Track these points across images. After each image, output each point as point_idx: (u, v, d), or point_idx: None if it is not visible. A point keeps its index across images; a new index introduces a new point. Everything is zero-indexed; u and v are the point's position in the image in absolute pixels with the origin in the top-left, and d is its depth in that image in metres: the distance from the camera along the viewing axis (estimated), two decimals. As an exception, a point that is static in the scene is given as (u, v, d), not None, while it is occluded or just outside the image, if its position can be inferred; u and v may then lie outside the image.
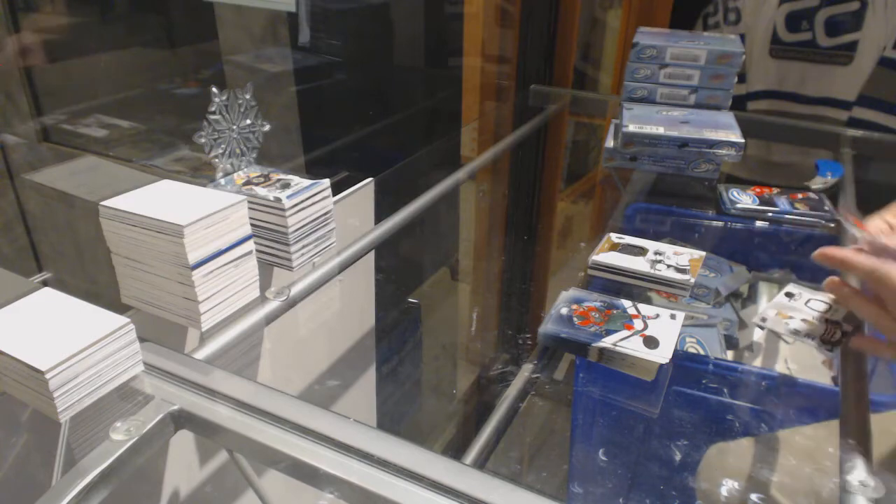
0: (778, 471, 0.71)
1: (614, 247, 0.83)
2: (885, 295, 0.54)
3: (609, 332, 0.70)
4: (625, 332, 0.70)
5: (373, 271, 0.96)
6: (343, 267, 0.80)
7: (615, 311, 0.73)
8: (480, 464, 0.88)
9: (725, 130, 1.00)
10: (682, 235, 1.20)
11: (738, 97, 1.25)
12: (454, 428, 1.52)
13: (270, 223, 0.68)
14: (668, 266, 0.78)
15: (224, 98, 0.67)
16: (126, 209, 0.60)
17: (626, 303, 0.75)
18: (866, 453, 0.52)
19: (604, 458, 0.92)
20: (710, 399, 0.85)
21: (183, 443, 0.68)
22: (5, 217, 0.82)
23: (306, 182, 0.70)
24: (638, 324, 0.71)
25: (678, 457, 0.86)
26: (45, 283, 0.61)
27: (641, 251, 0.82)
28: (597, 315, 0.73)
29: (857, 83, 1.22)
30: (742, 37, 1.25)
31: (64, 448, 0.59)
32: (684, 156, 1.00)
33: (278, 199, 0.66)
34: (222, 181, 0.70)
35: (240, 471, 0.57)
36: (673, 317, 0.72)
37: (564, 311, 0.74)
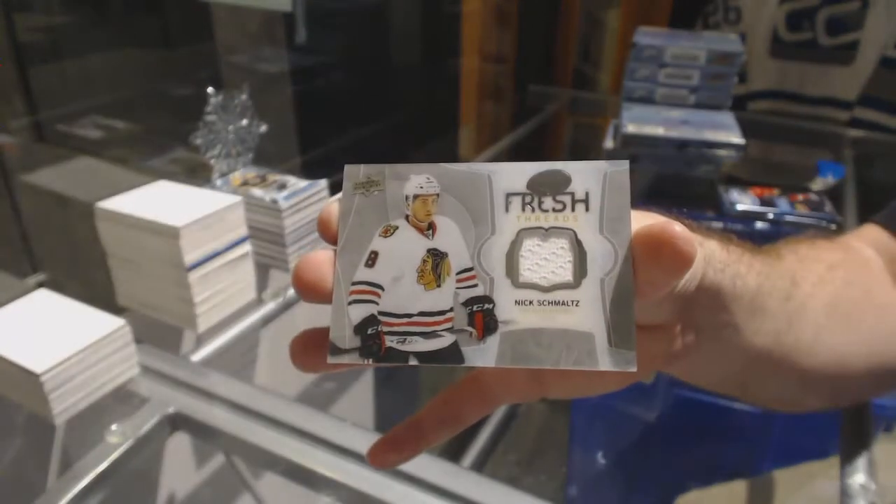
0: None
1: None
2: None
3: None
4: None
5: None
6: (341, 268, 0.79)
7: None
8: (478, 467, 0.88)
9: (725, 131, 1.00)
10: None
11: (738, 97, 1.25)
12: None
13: (267, 224, 0.68)
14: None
15: (220, 98, 0.67)
16: (122, 211, 0.60)
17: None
18: (867, 456, 0.52)
19: (602, 461, 0.92)
20: (709, 401, 0.84)
21: (179, 445, 0.68)
22: (0, 218, 0.82)
23: (303, 183, 0.70)
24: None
25: (677, 459, 0.86)
26: (40, 285, 0.61)
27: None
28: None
29: (858, 83, 1.22)
30: (742, 36, 1.24)
31: (59, 451, 0.59)
32: (684, 156, 1.00)
33: (275, 201, 0.66)
34: (219, 182, 0.70)
35: (236, 474, 0.57)
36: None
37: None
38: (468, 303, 0.25)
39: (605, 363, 0.23)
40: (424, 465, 0.47)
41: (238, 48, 1.00)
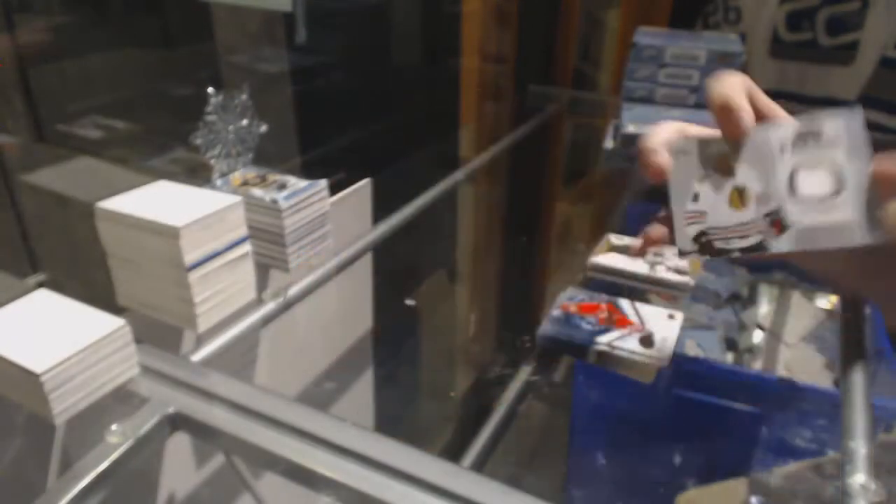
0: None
1: (613, 248, 0.83)
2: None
3: (607, 331, 0.69)
4: (622, 331, 0.70)
5: (370, 273, 0.95)
6: (340, 268, 0.79)
7: (614, 310, 0.73)
8: (478, 466, 0.88)
9: (725, 131, 0.99)
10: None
11: (737, 98, 1.24)
12: (452, 430, 1.52)
13: (267, 224, 0.68)
14: (668, 268, 0.78)
15: (220, 98, 0.67)
16: (122, 211, 0.60)
17: (625, 302, 0.74)
18: (867, 457, 0.52)
19: (602, 461, 0.92)
20: (709, 402, 0.84)
21: (179, 445, 0.68)
22: (0, 218, 0.82)
23: (303, 183, 0.70)
24: (636, 322, 0.71)
25: (677, 460, 0.86)
26: (40, 285, 0.61)
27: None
28: (595, 312, 0.72)
29: (858, 83, 1.22)
30: (742, 36, 1.24)
31: (59, 451, 0.59)
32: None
33: (275, 201, 0.66)
34: (219, 182, 0.70)
35: (236, 474, 0.57)
36: (672, 317, 0.72)
37: (559, 312, 0.73)
38: (767, 215, 0.40)
39: (862, 238, 0.37)
40: (424, 464, 0.47)
41: (238, 48, 1.00)
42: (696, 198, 0.42)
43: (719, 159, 0.41)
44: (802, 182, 0.39)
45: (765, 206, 0.40)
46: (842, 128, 0.38)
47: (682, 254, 0.42)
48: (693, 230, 0.41)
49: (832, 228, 0.38)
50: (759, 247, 0.40)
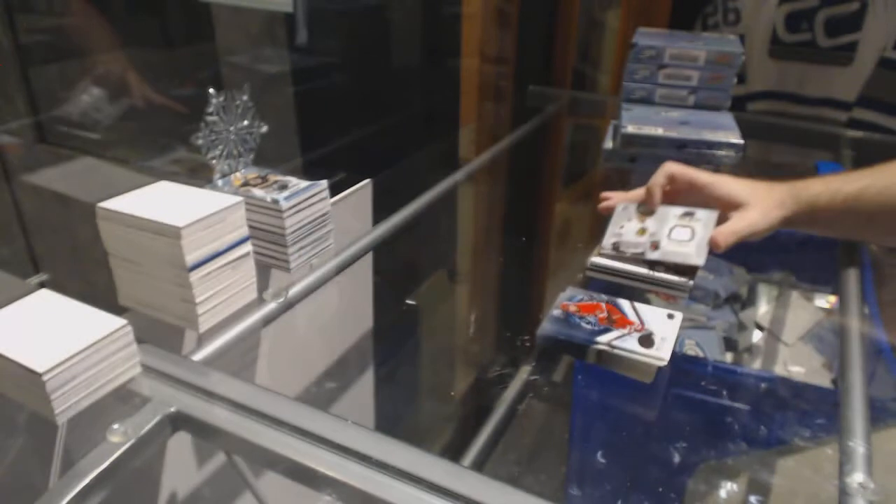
0: (773, 491, 0.72)
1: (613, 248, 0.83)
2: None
3: (607, 330, 0.70)
4: (622, 331, 0.70)
5: (371, 273, 0.96)
6: (341, 268, 0.79)
7: (614, 310, 0.73)
8: (479, 466, 0.88)
9: (725, 131, 1.00)
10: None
11: (737, 98, 1.25)
12: (452, 430, 1.52)
13: (268, 225, 0.68)
14: (668, 268, 0.78)
15: (221, 99, 0.67)
16: (123, 211, 0.60)
17: (625, 302, 0.75)
18: (865, 455, 0.52)
19: (602, 461, 0.92)
20: (709, 401, 0.84)
21: (180, 445, 0.68)
22: (2, 219, 0.82)
23: (304, 183, 0.70)
24: (635, 322, 0.71)
25: (677, 459, 0.86)
26: (42, 285, 0.61)
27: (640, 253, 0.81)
28: (595, 312, 0.73)
29: (857, 84, 1.22)
30: (742, 37, 1.25)
31: (61, 450, 0.59)
32: (683, 157, 1.00)
33: (276, 201, 0.66)
34: (220, 183, 0.70)
35: (238, 473, 0.57)
36: (671, 317, 0.72)
37: (559, 312, 0.73)
38: (652, 242, 0.74)
39: (694, 262, 0.72)
40: (425, 464, 0.47)
41: (239, 48, 1.00)
42: (622, 227, 0.77)
43: (640, 214, 0.78)
44: (675, 232, 0.74)
45: (653, 238, 0.75)
46: (704, 215, 0.75)
47: (601, 253, 0.76)
48: (614, 241, 0.76)
49: (680, 254, 0.72)
50: (641, 254, 0.73)
